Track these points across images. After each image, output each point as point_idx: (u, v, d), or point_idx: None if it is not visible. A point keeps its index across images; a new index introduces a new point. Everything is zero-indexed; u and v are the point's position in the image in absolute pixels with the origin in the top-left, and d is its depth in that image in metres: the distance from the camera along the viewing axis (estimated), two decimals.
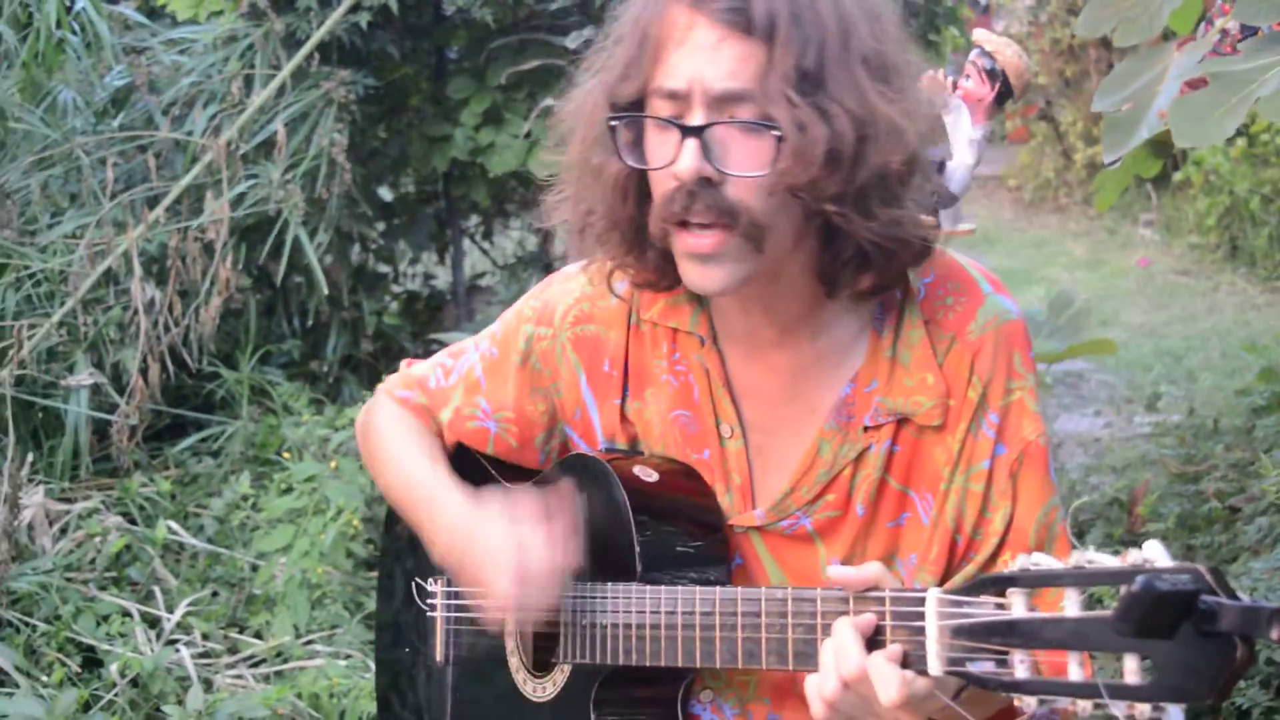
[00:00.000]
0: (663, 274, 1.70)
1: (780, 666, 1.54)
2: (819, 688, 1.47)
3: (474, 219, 6.50)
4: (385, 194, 5.99)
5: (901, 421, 1.69)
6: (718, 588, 1.64)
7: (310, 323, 5.24)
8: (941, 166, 1.96)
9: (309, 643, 3.89)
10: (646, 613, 1.67)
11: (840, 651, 1.43)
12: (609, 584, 1.71)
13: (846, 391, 1.70)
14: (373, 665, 3.74)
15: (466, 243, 6.44)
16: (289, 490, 4.23)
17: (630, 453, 1.83)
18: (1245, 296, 8.48)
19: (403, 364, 2.07)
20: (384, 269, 6.07)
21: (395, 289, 6.17)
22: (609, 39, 1.65)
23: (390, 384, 2.04)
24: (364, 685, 3.62)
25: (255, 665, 3.84)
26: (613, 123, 1.59)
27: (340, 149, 4.61)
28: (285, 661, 3.82)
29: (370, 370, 5.35)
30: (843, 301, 1.68)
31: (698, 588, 1.64)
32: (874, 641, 1.45)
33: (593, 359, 1.83)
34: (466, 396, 1.93)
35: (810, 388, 1.73)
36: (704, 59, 1.53)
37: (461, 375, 1.94)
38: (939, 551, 1.69)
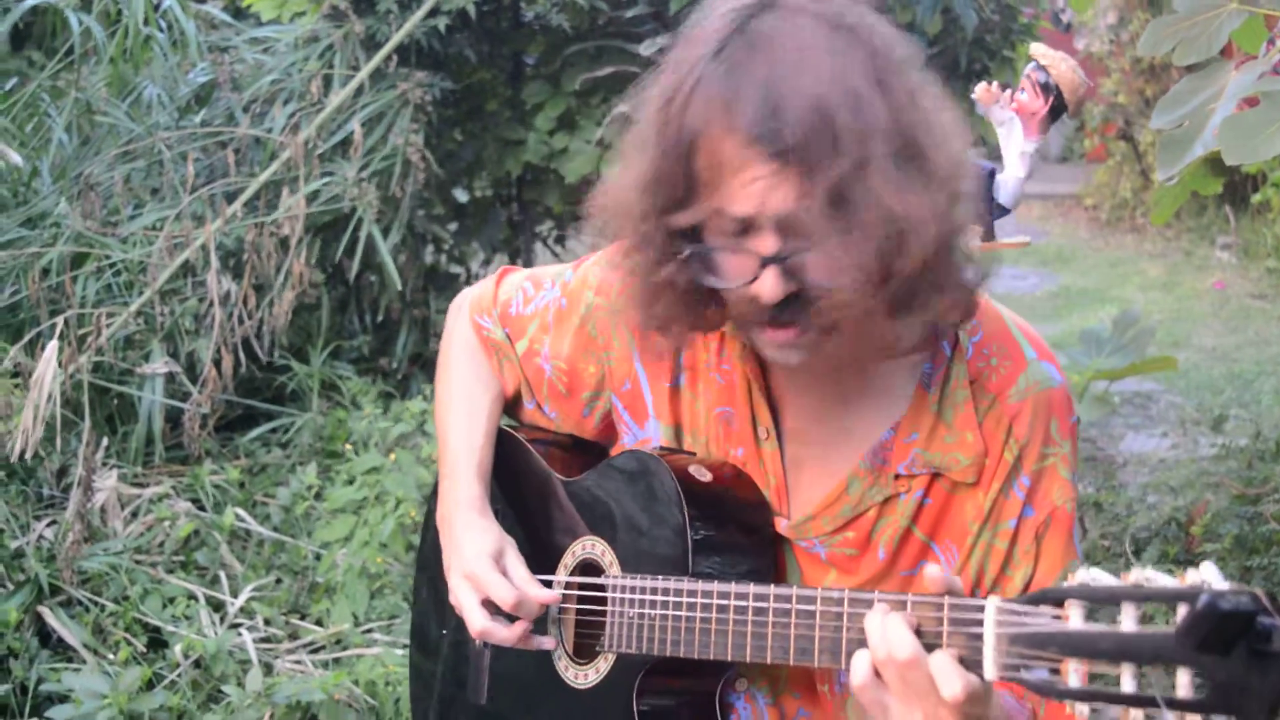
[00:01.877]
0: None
1: (833, 664, 1.57)
2: (866, 662, 1.49)
3: (547, 224, 6.57)
4: (460, 196, 6.06)
5: (936, 475, 1.74)
6: (772, 585, 1.66)
7: (381, 320, 5.31)
8: (992, 175, 1.97)
9: (368, 631, 3.96)
10: (698, 606, 1.70)
11: (894, 637, 1.46)
12: (659, 578, 1.75)
13: (886, 437, 1.75)
14: None
15: (539, 247, 6.50)
16: (352, 482, 4.29)
17: (683, 452, 1.88)
18: None
19: (497, 271, 2.12)
20: (456, 270, 6.14)
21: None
22: (637, 132, 1.67)
23: (477, 301, 2.09)
24: None
25: (315, 651, 3.91)
26: (690, 252, 1.62)
27: (415, 149, 4.68)
28: (344, 649, 3.88)
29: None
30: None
31: (751, 584, 1.67)
32: (926, 645, 1.47)
33: (645, 337, 1.88)
34: (539, 333, 2.00)
35: (850, 415, 1.78)
36: (766, 186, 1.54)
37: (539, 310, 2.01)
38: None
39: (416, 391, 5.24)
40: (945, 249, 1.58)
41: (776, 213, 1.55)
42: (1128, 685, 1.29)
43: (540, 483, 2.01)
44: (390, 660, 3.72)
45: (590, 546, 1.89)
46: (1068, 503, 1.73)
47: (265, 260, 4.42)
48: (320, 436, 4.64)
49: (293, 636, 3.96)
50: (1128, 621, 1.30)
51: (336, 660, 3.84)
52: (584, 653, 1.89)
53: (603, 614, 1.83)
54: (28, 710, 3.56)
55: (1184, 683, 1.25)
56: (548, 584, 1.91)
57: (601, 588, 1.84)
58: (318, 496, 4.39)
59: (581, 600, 1.90)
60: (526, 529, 2.02)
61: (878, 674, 1.48)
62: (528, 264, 6.27)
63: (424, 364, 5.46)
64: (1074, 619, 1.34)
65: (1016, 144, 2.02)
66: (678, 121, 1.58)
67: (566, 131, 5.44)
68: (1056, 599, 1.36)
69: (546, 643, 1.88)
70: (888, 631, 1.47)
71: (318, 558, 4.16)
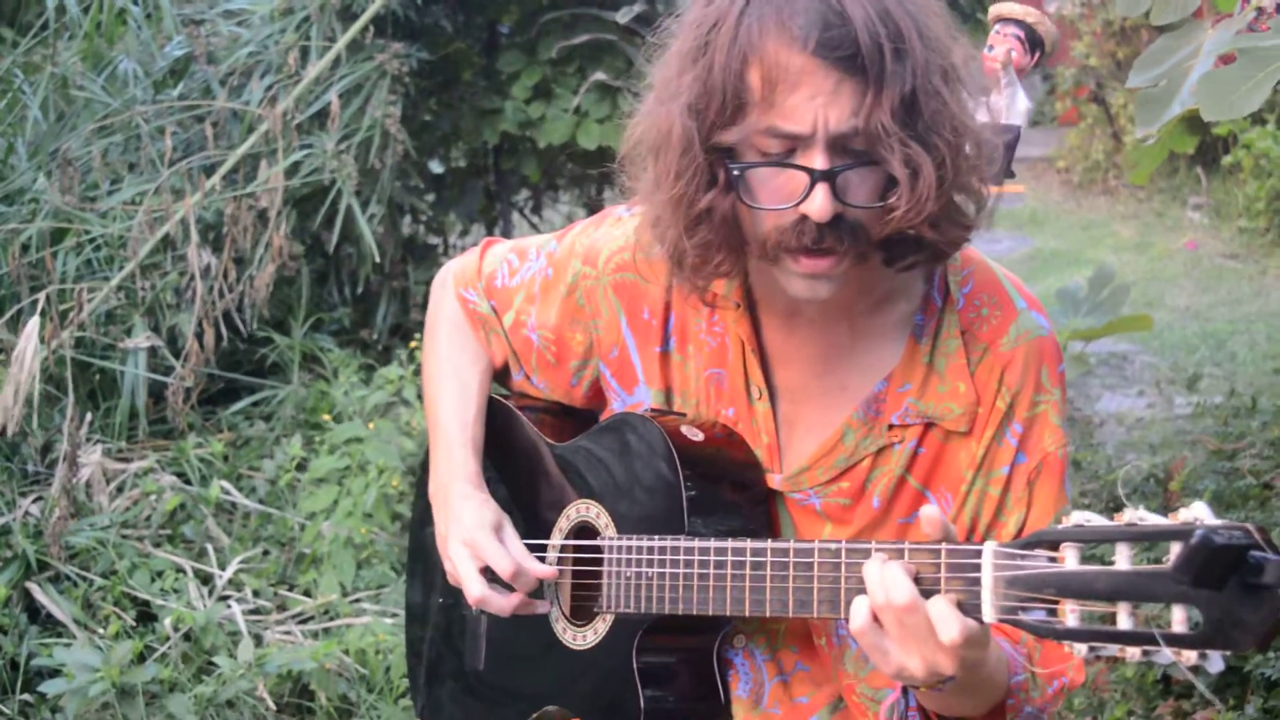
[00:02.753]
0: (725, 284, 1.77)
1: (833, 615, 1.59)
2: (865, 608, 1.52)
3: (523, 193, 6.56)
4: (435, 167, 6.05)
5: (929, 425, 1.76)
6: (770, 540, 1.69)
7: (360, 291, 5.30)
8: (1014, 142, 2.01)
9: (356, 601, 3.97)
10: (695, 563, 1.72)
11: (892, 584, 1.48)
12: (655, 537, 1.77)
13: (880, 388, 1.77)
14: None
15: (515, 216, 6.50)
16: (333, 452, 4.30)
17: (673, 413, 1.89)
18: None
19: (480, 243, 2.12)
20: (434, 240, 6.13)
21: (444, 261, 6.24)
22: (676, 58, 1.66)
23: (461, 273, 2.09)
24: None
25: (303, 622, 3.93)
26: (738, 171, 1.62)
27: (394, 121, 4.67)
28: (332, 619, 3.90)
29: (419, 339, 5.42)
30: (885, 289, 1.75)
31: (749, 540, 1.68)
32: (924, 591, 1.49)
33: (633, 304, 1.89)
34: (525, 304, 2.00)
35: (843, 369, 1.79)
36: (824, 102, 1.55)
37: (524, 282, 2.01)
38: None
39: (398, 362, 5.25)
40: (978, 174, 1.61)
41: (836, 126, 1.56)
42: (1124, 623, 1.32)
43: (532, 449, 2.02)
44: (379, 629, 3.74)
45: (584, 509, 1.91)
46: (1059, 449, 1.75)
47: (244, 233, 4.41)
48: (303, 409, 4.64)
49: (281, 608, 3.97)
50: (1122, 561, 1.32)
51: (326, 630, 3.86)
52: (581, 615, 1.90)
53: (599, 575, 1.84)
54: (19, 686, 3.57)
55: (1179, 619, 1.28)
56: (543, 547, 1.92)
57: (597, 549, 1.85)
58: (300, 468, 4.40)
59: (577, 563, 1.91)
60: (520, 495, 2.03)
61: (876, 620, 1.51)
62: (506, 234, 6.27)
63: (404, 334, 5.46)
64: (1069, 561, 1.36)
65: (1020, 104, 2.04)
66: (729, 37, 1.57)
67: (543, 100, 5.43)
68: (1052, 541, 1.38)
69: (540, 606, 1.90)
70: (886, 578, 1.49)
71: (303, 529, 4.17)
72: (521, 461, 2.04)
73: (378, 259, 4.78)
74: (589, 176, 6.71)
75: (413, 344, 4.68)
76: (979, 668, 1.55)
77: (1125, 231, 10.19)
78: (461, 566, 1.88)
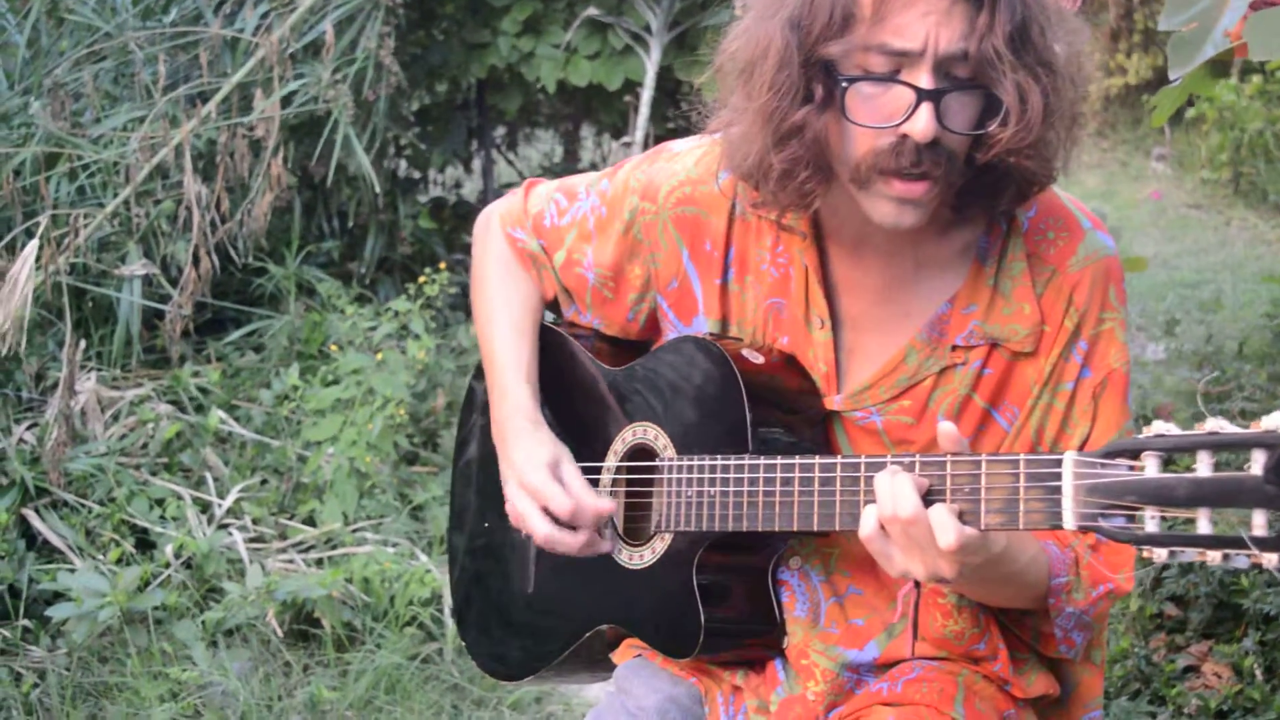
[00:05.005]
0: (802, 209, 1.76)
1: None
2: (873, 517, 1.59)
3: (500, 129, 6.52)
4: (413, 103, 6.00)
5: (994, 346, 1.79)
6: (839, 455, 1.72)
7: (350, 224, 5.29)
8: None
9: (357, 530, 3.99)
10: (760, 480, 1.74)
11: (899, 494, 1.55)
12: (719, 457, 1.79)
13: (944, 310, 1.80)
14: (420, 554, 3.86)
15: (494, 153, 6.48)
16: (334, 382, 4.31)
17: (731, 337, 1.91)
18: (1256, 232, 8.56)
19: (524, 184, 2.13)
20: (415, 174, 6.11)
21: (421, 197, 6.22)
22: None
23: (507, 214, 2.10)
24: (414, 571, 3.72)
25: (305, 551, 3.94)
26: (845, 84, 1.62)
27: (387, 52, 4.64)
28: (334, 548, 3.92)
29: (406, 272, 5.42)
30: (949, 217, 1.77)
31: (817, 456, 1.71)
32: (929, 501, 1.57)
33: (695, 237, 1.91)
34: (578, 242, 2.02)
35: (906, 295, 1.82)
36: (937, 21, 1.57)
37: (575, 221, 2.02)
38: None
39: (384, 296, 5.25)
40: (1072, 112, 1.65)
41: (947, 47, 1.57)
42: (1204, 529, 1.37)
43: (587, 374, 2.04)
44: (383, 558, 3.77)
45: (641, 432, 1.93)
46: (1123, 365, 1.79)
47: (238, 162, 4.38)
48: (296, 339, 4.63)
49: (281, 536, 3.99)
50: (1203, 468, 1.37)
51: (330, 559, 3.88)
52: (636, 535, 1.93)
53: (656, 496, 1.87)
54: (22, 612, 3.57)
55: (1259, 523, 1.33)
56: (598, 469, 1.94)
57: (654, 470, 1.88)
58: (291, 398, 4.41)
59: (631, 484, 1.94)
60: (575, 420, 2.04)
61: (883, 528, 1.58)
62: (486, 167, 6.26)
63: (390, 268, 5.46)
64: (1150, 469, 1.41)
65: None
66: None
67: (532, 35, 5.41)
68: (1133, 450, 1.43)
69: (605, 546, 1.91)
70: (895, 490, 1.55)
71: (300, 460, 4.17)
72: (577, 387, 2.06)
73: (378, 190, 4.76)
74: (565, 114, 6.70)
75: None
76: (994, 566, 1.62)
77: (1090, 180, 10.28)
78: (523, 509, 1.90)
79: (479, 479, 2.17)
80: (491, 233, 2.11)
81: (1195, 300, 6.98)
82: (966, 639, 1.83)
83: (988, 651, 1.83)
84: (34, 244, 3.74)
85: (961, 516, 1.54)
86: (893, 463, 1.61)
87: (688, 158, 1.93)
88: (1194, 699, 3.03)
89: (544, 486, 1.87)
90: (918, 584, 1.73)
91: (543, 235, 2.05)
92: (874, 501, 1.59)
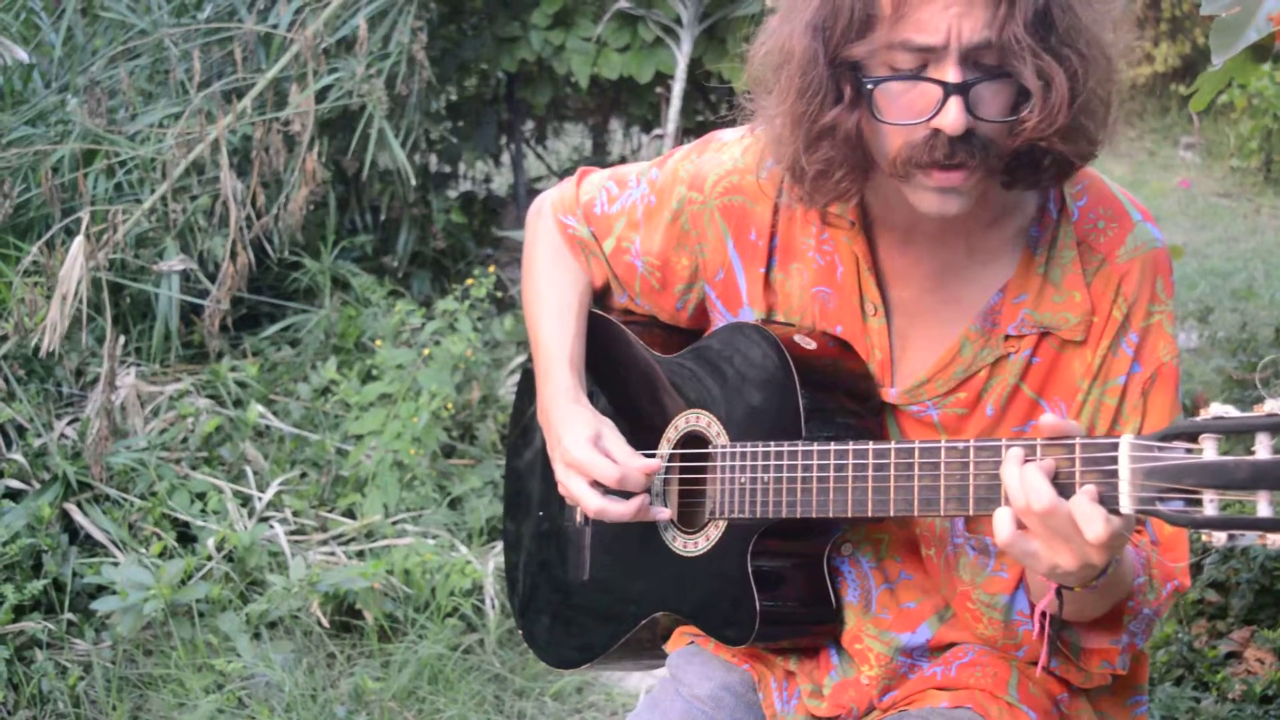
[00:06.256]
0: (844, 203, 1.78)
1: (960, 512, 1.63)
2: (1008, 517, 1.55)
3: (529, 124, 6.53)
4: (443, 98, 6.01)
5: (1044, 334, 1.79)
6: (893, 441, 1.72)
7: (383, 219, 5.31)
8: None
9: (397, 523, 4.02)
10: (814, 466, 1.75)
11: (1030, 486, 1.51)
12: (773, 444, 1.80)
13: (995, 300, 1.80)
14: (460, 546, 3.88)
15: (524, 146, 6.49)
16: (374, 377, 4.33)
17: (783, 323, 1.91)
18: None
19: (577, 172, 2.15)
20: (446, 169, 6.13)
21: (451, 191, 6.23)
22: None
23: (560, 201, 2.13)
24: (454, 562, 3.74)
25: (345, 543, 3.97)
26: (871, 85, 1.63)
27: (420, 47, 4.66)
28: (373, 541, 3.94)
29: (437, 266, 5.44)
30: (1001, 204, 1.77)
31: (871, 442, 1.72)
32: (1060, 487, 1.52)
33: (740, 227, 1.92)
34: (627, 230, 2.04)
35: (958, 283, 1.82)
36: (958, 13, 1.57)
37: (625, 209, 2.05)
38: None
39: (417, 290, 5.27)
40: (1108, 88, 1.64)
41: (969, 38, 1.58)
42: (1263, 512, 1.37)
43: (639, 362, 2.06)
44: (424, 550, 3.79)
45: (694, 419, 1.94)
46: (1172, 359, 1.79)
47: (273, 157, 4.40)
48: (332, 333, 4.66)
49: (321, 529, 4.01)
50: (1263, 451, 1.37)
51: (371, 551, 3.90)
52: (689, 522, 1.93)
53: (710, 483, 1.88)
54: (66, 605, 3.60)
55: None
56: (652, 457, 1.94)
57: (707, 458, 1.89)
58: (331, 392, 4.43)
59: (684, 471, 1.94)
60: (627, 407, 2.06)
61: (1020, 525, 1.54)
62: (516, 161, 6.26)
63: (423, 263, 5.47)
64: (1208, 452, 1.41)
65: None
66: None
67: (562, 28, 5.41)
68: (1190, 433, 1.43)
69: (662, 514, 1.92)
70: (1026, 482, 1.52)
71: (339, 453, 4.20)
72: (628, 375, 2.07)
73: (414, 183, 4.78)
74: (593, 108, 6.70)
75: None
76: (1123, 561, 1.60)
77: (1118, 169, 10.23)
78: (572, 485, 1.92)
79: (533, 466, 2.19)
80: (543, 219, 2.13)
81: (1227, 289, 6.95)
82: (1000, 646, 1.83)
83: (1027, 658, 1.83)
84: (80, 240, 3.76)
85: (1101, 500, 1.48)
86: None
87: (735, 147, 1.95)
88: (1238, 684, 3.02)
89: (588, 458, 1.90)
90: (1059, 593, 1.66)
91: (593, 222, 2.07)
92: (990, 488, 1.56)
